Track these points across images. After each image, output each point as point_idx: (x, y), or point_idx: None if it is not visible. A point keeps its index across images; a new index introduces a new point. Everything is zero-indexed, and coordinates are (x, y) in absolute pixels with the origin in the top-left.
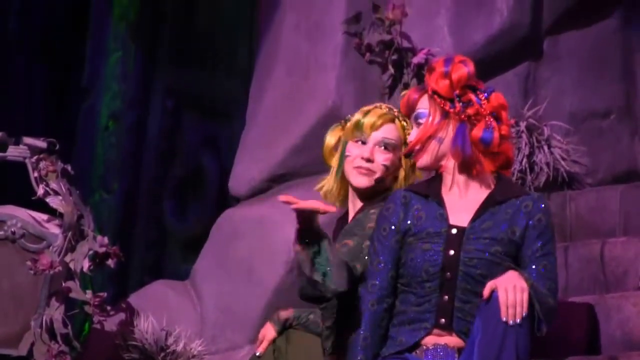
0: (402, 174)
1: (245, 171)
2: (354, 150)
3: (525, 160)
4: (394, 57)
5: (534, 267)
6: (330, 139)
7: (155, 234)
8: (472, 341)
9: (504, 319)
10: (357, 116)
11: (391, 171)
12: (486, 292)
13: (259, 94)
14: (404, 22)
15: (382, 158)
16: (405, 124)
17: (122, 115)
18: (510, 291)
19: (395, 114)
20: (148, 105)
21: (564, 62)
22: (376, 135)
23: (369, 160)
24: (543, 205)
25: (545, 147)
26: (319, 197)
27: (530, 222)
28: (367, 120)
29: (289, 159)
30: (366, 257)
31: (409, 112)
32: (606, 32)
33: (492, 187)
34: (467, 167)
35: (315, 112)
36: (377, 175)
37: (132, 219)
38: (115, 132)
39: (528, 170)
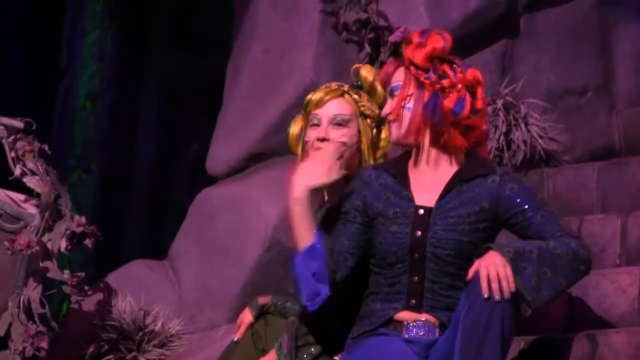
0: (364, 146)
1: (223, 150)
2: (311, 134)
3: (502, 138)
4: (371, 35)
5: (530, 215)
6: (294, 128)
7: None
8: (457, 315)
9: (485, 295)
10: (307, 97)
11: (351, 146)
12: (470, 273)
13: (236, 72)
14: (381, 1)
15: (338, 135)
16: (357, 97)
17: (100, 95)
18: (491, 267)
19: (345, 88)
20: (126, 85)
21: (541, 40)
22: (327, 114)
23: (323, 140)
24: (513, 177)
25: (523, 125)
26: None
27: (504, 192)
28: (314, 98)
29: (266, 138)
30: None
31: (385, 86)
32: (583, 9)
33: (461, 164)
34: (437, 141)
35: (293, 91)
36: (343, 153)
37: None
38: (93, 112)
39: (505, 148)
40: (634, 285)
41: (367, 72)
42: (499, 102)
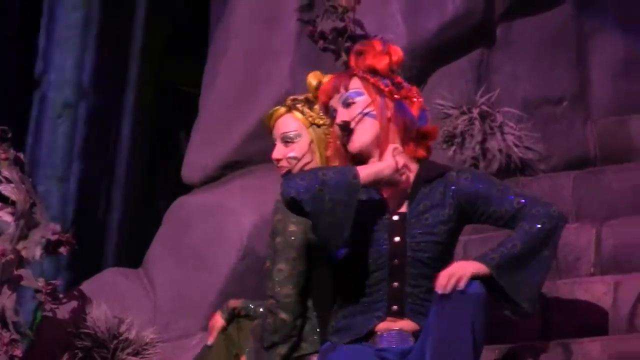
0: (317, 154)
1: (199, 158)
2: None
3: (478, 146)
4: (347, 44)
5: (487, 193)
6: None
7: None
8: (427, 323)
9: (440, 291)
10: None
11: (305, 157)
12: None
13: (212, 79)
14: (357, 10)
15: (287, 152)
16: (306, 108)
17: (76, 103)
18: (457, 266)
19: (289, 103)
20: (102, 93)
21: (517, 49)
22: (276, 134)
23: (278, 160)
24: (466, 169)
25: (498, 134)
26: (272, 184)
27: (460, 182)
28: (265, 122)
29: (242, 146)
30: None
31: (334, 95)
32: (559, 19)
33: (417, 169)
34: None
35: (269, 99)
36: (293, 168)
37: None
38: (69, 120)
39: (481, 156)
40: (609, 294)
41: (311, 78)
42: (475, 111)
